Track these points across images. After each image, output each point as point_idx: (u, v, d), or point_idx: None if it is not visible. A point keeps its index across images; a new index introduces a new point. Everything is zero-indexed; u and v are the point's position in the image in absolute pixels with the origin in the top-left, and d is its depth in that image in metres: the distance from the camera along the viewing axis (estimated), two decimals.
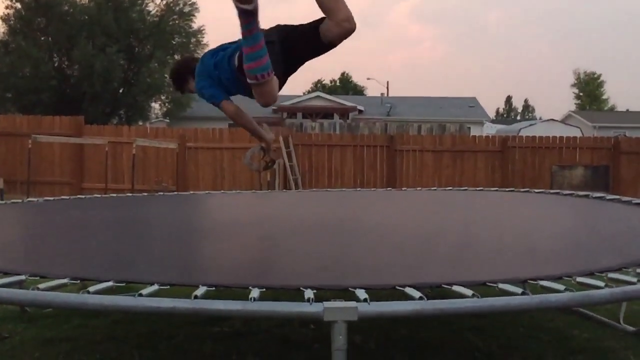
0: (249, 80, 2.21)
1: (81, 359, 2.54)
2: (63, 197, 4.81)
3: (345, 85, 47.43)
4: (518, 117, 58.00)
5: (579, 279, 1.75)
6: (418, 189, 6.59)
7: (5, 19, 20.67)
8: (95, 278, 1.71)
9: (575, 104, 47.01)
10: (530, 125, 24.71)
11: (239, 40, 2.56)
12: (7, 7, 20.79)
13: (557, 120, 27.18)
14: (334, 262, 2.26)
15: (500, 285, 1.65)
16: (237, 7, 1.99)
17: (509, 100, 66.72)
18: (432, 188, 6.44)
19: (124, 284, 1.71)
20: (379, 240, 2.60)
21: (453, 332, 2.92)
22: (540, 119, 37.58)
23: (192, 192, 7.76)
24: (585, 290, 1.66)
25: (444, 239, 2.66)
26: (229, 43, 2.74)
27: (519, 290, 1.59)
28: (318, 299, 1.51)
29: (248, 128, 2.87)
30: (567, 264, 2.05)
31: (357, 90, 45.69)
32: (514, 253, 2.28)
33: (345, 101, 28.09)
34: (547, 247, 2.43)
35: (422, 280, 1.76)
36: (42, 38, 21.02)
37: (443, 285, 1.68)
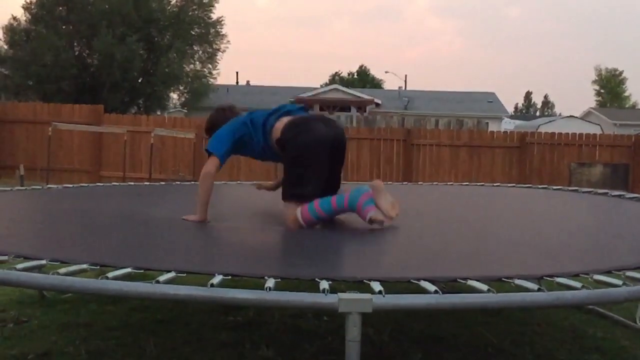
0: (307, 217, 2.59)
1: (98, 344, 2.58)
2: (82, 184, 4.87)
3: (363, 79, 47.29)
4: (537, 113, 57.41)
5: (596, 277, 1.73)
6: (434, 183, 6.56)
7: (27, 7, 20.87)
8: (114, 264, 1.73)
9: (595, 100, 46.46)
10: (550, 121, 24.48)
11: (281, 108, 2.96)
12: None
13: (576, 117, 26.87)
14: (349, 254, 2.26)
15: (516, 281, 1.64)
16: (365, 220, 2.50)
17: (528, 95, 66.17)
18: (449, 183, 6.41)
19: (141, 271, 1.73)
20: (394, 233, 2.60)
21: (466, 327, 2.92)
22: (560, 115, 37.18)
23: None
24: (602, 288, 1.65)
25: (459, 233, 2.65)
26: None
27: (535, 286, 1.58)
28: (333, 290, 1.51)
29: (201, 196, 2.78)
30: (585, 262, 2.03)
31: (375, 84, 45.54)
32: (531, 249, 2.26)
33: (363, 94, 28.01)
34: (564, 244, 2.42)
35: (438, 274, 1.76)
36: (63, 27, 21.18)
37: (458, 280, 1.68)
